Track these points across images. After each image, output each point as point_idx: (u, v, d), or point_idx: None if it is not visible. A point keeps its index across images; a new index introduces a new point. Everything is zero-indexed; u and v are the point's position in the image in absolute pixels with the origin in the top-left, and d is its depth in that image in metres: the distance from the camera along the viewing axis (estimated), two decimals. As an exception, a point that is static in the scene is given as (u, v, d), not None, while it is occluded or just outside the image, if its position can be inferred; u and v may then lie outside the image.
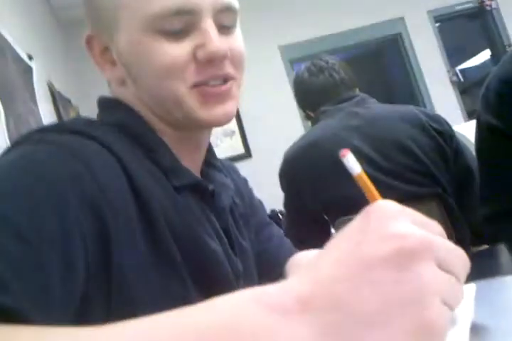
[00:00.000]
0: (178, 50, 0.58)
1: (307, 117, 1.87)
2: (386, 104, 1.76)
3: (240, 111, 3.83)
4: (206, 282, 0.59)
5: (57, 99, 2.58)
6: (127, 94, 0.64)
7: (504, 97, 1.09)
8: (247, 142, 3.85)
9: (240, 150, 3.83)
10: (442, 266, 0.34)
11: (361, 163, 1.38)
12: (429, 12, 4.18)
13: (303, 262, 0.67)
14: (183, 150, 0.65)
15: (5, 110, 1.65)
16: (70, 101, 3.00)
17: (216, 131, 3.77)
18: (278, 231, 0.85)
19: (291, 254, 0.79)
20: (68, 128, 0.57)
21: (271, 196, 3.28)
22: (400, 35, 4.19)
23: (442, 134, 1.60)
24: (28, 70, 2.18)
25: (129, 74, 0.63)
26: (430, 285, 0.32)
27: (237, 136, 3.84)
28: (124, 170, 0.54)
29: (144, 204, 0.54)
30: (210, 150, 0.73)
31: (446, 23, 4.37)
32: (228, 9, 0.62)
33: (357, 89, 1.78)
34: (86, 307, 0.45)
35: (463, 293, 0.35)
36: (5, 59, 1.83)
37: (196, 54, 0.59)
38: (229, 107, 0.62)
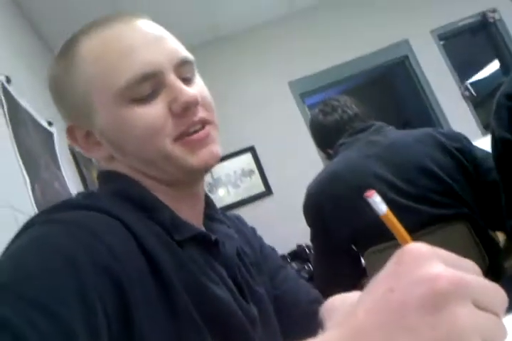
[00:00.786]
0: (154, 111, 0.63)
1: (328, 156, 1.88)
2: (403, 130, 1.77)
3: (257, 149, 3.88)
4: (221, 330, 0.60)
5: (79, 160, 2.65)
6: (119, 167, 0.68)
7: None
8: (267, 180, 3.87)
9: (261, 188, 3.84)
10: (479, 305, 0.33)
11: (385, 190, 1.37)
12: (432, 31, 4.21)
13: (340, 309, 0.67)
14: (182, 205, 0.68)
15: (30, 177, 1.71)
16: (91, 160, 3.08)
17: (235, 173, 3.81)
18: (293, 274, 0.86)
19: (308, 294, 0.81)
20: (70, 204, 0.61)
21: (296, 231, 3.27)
22: (406, 57, 4.22)
23: (462, 152, 1.59)
24: (49, 136, 2.26)
25: (116, 150, 0.67)
26: (468, 326, 0.31)
27: (257, 175, 3.86)
28: (131, 234, 0.57)
29: (153, 263, 0.56)
30: (209, 204, 0.76)
31: (451, 40, 4.39)
32: (185, 62, 0.67)
33: (372, 120, 1.79)
34: None
35: (505, 330, 0.35)
36: (27, 129, 1.91)
37: (172, 109, 0.64)
38: (213, 148, 0.67)
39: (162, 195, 0.67)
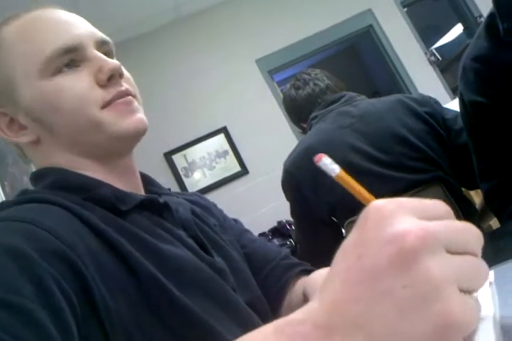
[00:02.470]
0: (80, 81, 0.65)
1: (303, 131, 1.88)
2: (374, 99, 1.77)
3: (229, 129, 3.86)
4: (189, 285, 0.61)
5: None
6: (45, 152, 0.69)
7: (481, 73, 1.11)
8: (242, 159, 3.85)
9: (237, 168, 3.82)
10: (453, 249, 0.32)
11: (361, 160, 1.40)
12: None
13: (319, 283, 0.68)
14: (117, 180, 0.69)
15: (-2, 174, 1.67)
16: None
17: (210, 155, 3.80)
18: (259, 237, 0.90)
19: (279, 252, 0.84)
20: (5, 203, 0.60)
21: (275, 208, 3.32)
22: (371, 26, 4.21)
23: (433, 115, 1.60)
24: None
25: (43, 129, 0.67)
26: (441, 277, 0.31)
27: (231, 155, 3.84)
28: (72, 214, 0.57)
29: (102, 238, 0.57)
30: (150, 181, 0.78)
31: (414, 6, 4.39)
32: (104, 41, 0.71)
33: (344, 91, 1.79)
34: None
35: (486, 268, 0.34)
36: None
37: (97, 79, 0.66)
38: (141, 116, 0.68)
39: (95, 173, 0.67)
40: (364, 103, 1.70)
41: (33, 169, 2.06)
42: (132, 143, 0.70)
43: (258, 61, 4.04)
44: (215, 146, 3.82)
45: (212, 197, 3.67)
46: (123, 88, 0.67)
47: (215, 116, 3.84)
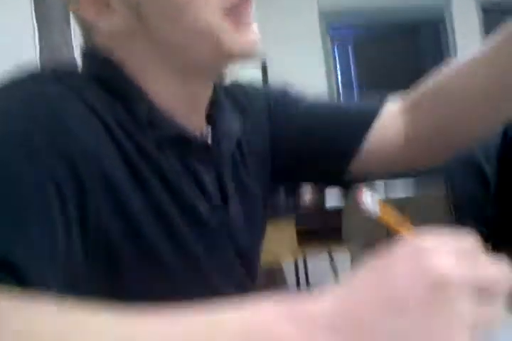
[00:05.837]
0: None
1: None
2: None
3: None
4: (183, 229, 0.54)
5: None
6: (123, 48, 0.54)
7: None
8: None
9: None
10: (480, 295, 0.31)
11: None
12: (477, 0, 4.08)
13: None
14: (181, 104, 0.57)
15: (40, 37, 1.67)
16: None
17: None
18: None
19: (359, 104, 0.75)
20: (46, 76, 0.51)
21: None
22: (442, 20, 4.09)
23: None
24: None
25: (140, 24, 0.52)
26: (463, 317, 0.30)
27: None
28: (99, 120, 0.49)
29: (123, 154, 0.50)
30: (216, 88, 0.63)
31: (493, 15, 4.26)
32: None
33: None
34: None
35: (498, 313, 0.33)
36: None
37: None
38: (257, 31, 0.56)
39: (156, 91, 0.55)
40: None
41: (73, 38, 2.02)
42: (238, 62, 0.56)
43: (321, 14, 3.94)
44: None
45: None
46: None
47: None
